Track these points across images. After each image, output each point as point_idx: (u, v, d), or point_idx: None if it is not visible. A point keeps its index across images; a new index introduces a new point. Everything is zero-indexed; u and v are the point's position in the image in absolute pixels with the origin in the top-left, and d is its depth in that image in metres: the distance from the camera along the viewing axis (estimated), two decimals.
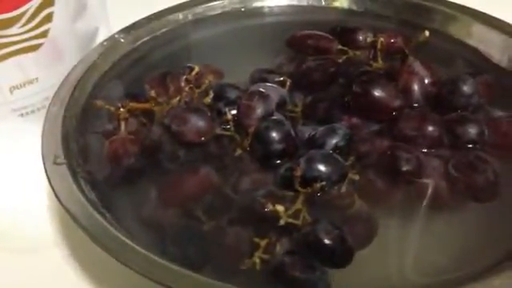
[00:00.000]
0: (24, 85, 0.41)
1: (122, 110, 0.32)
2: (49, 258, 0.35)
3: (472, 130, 0.31)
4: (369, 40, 0.39)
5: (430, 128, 0.31)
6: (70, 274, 0.34)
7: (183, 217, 0.29)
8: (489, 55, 0.37)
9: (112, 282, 0.33)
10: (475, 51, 0.38)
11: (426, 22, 0.40)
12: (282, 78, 0.36)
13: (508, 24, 0.38)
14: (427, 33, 0.33)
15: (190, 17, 0.42)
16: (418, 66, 0.35)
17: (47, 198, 0.38)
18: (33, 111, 0.42)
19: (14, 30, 0.38)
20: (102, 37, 0.44)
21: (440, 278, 0.26)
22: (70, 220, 0.27)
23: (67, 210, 0.26)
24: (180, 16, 0.42)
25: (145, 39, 0.40)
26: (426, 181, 0.30)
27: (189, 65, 0.36)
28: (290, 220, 0.27)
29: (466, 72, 0.36)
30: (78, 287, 0.33)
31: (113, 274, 0.32)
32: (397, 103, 0.33)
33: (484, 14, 0.39)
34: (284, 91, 0.34)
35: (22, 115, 0.42)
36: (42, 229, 0.37)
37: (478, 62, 0.38)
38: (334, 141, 0.31)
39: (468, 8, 0.40)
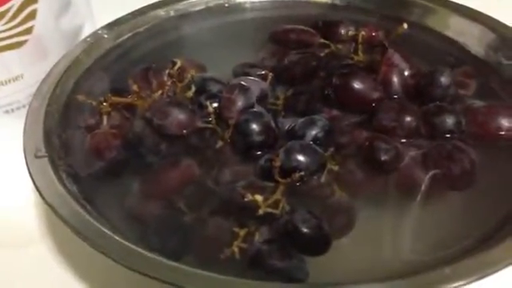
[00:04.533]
0: (9, 82, 0.41)
1: (104, 104, 0.33)
2: (35, 252, 0.35)
3: (449, 120, 0.32)
4: (350, 34, 0.39)
5: (408, 119, 0.32)
6: (57, 268, 0.34)
7: (165, 208, 0.29)
8: (467, 47, 0.38)
9: (98, 275, 0.33)
10: (454, 43, 0.39)
11: (406, 15, 0.41)
12: (263, 72, 0.36)
13: (485, 15, 0.38)
14: (405, 25, 0.34)
15: (173, 12, 0.42)
16: (397, 59, 0.35)
17: (33, 193, 0.38)
18: (18, 108, 0.42)
19: None
20: (86, 33, 0.44)
21: (418, 264, 0.27)
22: None
23: (47, 202, 0.26)
24: (163, 12, 0.42)
25: (128, 35, 0.40)
26: (404, 170, 0.30)
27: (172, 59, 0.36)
28: (269, 210, 0.27)
29: (446, 64, 0.36)
30: (64, 281, 0.34)
31: (99, 267, 0.33)
32: (376, 95, 0.33)
33: (462, 5, 0.40)
34: (265, 84, 0.35)
35: (7, 112, 0.42)
36: (28, 223, 0.37)
37: (458, 54, 0.38)
38: (313, 132, 0.31)
39: (446, 1, 0.40)
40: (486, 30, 0.38)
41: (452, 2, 0.40)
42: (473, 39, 0.38)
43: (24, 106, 0.42)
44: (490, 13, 0.39)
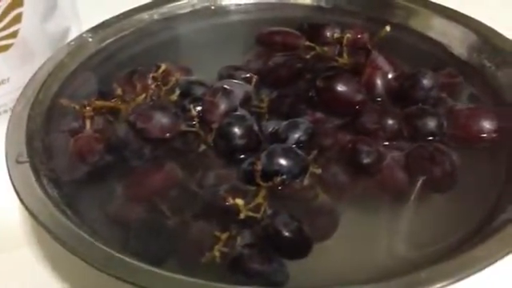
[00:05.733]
0: None
1: (87, 108, 0.33)
2: (20, 257, 0.35)
3: (431, 123, 0.32)
4: (336, 36, 0.39)
5: (390, 121, 0.32)
6: (41, 272, 0.34)
7: (147, 212, 0.29)
8: (450, 48, 0.38)
9: (83, 280, 0.33)
10: (438, 45, 0.39)
11: (391, 18, 0.41)
12: (248, 75, 0.36)
13: (468, 17, 0.39)
14: (388, 28, 0.34)
15: (159, 15, 0.43)
16: (381, 61, 0.35)
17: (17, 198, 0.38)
18: (5, 111, 0.42)
19: None
20: (72, 37, 0.44)
21: (398, 266, 0.27)
22: None
23: (26, 207, 0.26)
24: (148, 15, 0.42)
25: (113, 38, 0.40)
26: (386, 172, 0.31)
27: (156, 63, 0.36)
28: (250, 213, 0.27)
29: (430, 65, 0.36)
30: (48, 285, 0.34)
31: (84, 272, 0.32)
32: (359, 98, 0.33)
33: (446, 7, 0.40)
34: (249, 87, 0.35)
35: None
36: (13, 227, 0.37)
37: (441, 56, 0.39)
38: (296, 135, 0.31)
39: (430, 2, 0.41)
40: (468, 31, 0.38)
41: (436, 4, 0.41)
42: (456, 41, 0.38)
43: (11, 109, 0.42)
44: (472, 15, 0.39)
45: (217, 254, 0.26)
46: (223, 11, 0.44)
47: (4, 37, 0.40)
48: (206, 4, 0.44)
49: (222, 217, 0.28)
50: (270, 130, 0.32)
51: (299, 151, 0.30)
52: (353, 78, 0.34)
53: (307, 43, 0.39)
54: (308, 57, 0.38)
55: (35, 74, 0.36)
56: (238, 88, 0.34)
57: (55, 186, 0.29)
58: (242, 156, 0.31)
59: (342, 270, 0.27)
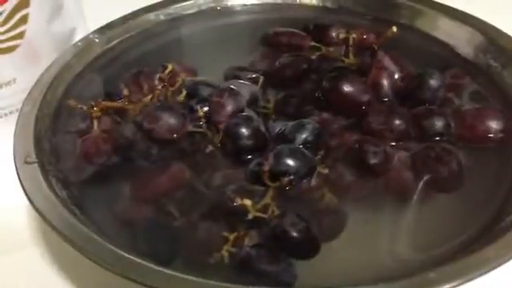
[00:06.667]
0: (1, 86, 0.41)
1: (94, 108, 0.33)
2: (26, 257, 0.35)
3: (438, 123, 0.32)
4: (341, 36, 0.39)
5: (397, 122, 0.32)
6: (48, 272, 0.34)
7: (155, 213, 0.29)
8: (457, 49, 0.38)
9: (90, 280, 0.34)
10: (445, 45, 0.39)
11: (397, 18, 0.41)
12: (254, 75, 0.36)
13: (474, 17, 0.39)
14: (394, 28, 0.34)
15: (165, 16, 0.43)
16: (387, 61, 0.35)
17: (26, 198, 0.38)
18: (11, 112, 0.42)
19: None
20: (79, 37, 0.44)
21: (406, 267, 0.27)
22: None
23: (35, 207, 0.26)
24: (155, 16, 0.42)
25: (120, 39, 0.41)
26: (393, 173, 0.31)
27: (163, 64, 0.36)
28: (258, 214, 0.27)
29: (436, 66, 0.36)
30: (55, 285, 0.34)
31: (91, 272, 0.33)
32: (365, 98, 0.33)
33: (451, 8, 0.40)
34: (255, 88, 0.35)
35: (0, 116, 0.42)
36: (21, 229, 0.37)
37: (448, 56, 0.39)
38: (303, 136, 0.31)
39: (436, 3, 0.41)
40: (474, 32, 0.38)
41: (442, 5, 0.41)
42: (462, 41, 0.38)
43: (17, 111, 0.42)
44: (478, 15, 0.39)
45: (225, 254, 0.26)
46: (229, 12, 0.44)
47: (10, 38, 0.40)
48: (212, 5, 0.44)
49: (229, 217, 0.28)
50: (277, 130, 0.32)
51: (306, 152, 0.30)
52: (359, 78, 0.34)
53: (313, 44, 0.39)
54: (314, 57, 0.38)
55: (42, 75, 0.36)
56: (245, 89, 0.34)
57: (64, 187, 0.29)
58: (249, 156, 0.31)
59: (350, 271, 0.27)
